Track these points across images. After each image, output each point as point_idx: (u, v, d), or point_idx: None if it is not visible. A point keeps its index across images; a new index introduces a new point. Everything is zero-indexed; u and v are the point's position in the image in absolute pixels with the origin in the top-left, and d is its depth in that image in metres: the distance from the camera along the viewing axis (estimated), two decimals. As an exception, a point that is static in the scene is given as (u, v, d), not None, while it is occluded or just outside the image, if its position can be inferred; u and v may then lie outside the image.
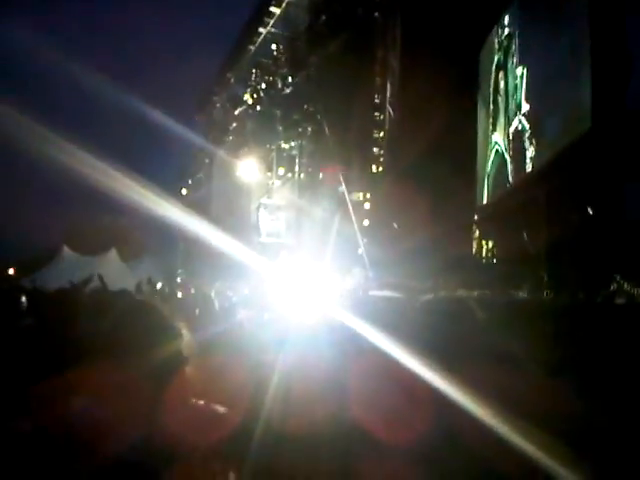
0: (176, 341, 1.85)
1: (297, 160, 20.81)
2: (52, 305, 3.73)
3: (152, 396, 1.72)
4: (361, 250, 14.74)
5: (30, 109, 11.37)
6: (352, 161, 16.65)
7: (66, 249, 27.66)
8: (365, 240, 14.70)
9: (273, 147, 22.32)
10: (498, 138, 12.18)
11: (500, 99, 11.87)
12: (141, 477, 1.66)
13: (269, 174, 22.53)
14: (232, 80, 25.85)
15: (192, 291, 11.41)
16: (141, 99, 19.49)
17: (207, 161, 29.80)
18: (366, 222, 15.60)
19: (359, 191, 16.26)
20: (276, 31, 21.79)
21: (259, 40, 22.76)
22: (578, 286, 7.12)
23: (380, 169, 15.86)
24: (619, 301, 5.98)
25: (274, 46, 21.79)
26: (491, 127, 12.58)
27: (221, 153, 26.52)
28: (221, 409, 1.89)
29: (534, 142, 9.95)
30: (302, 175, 20.47)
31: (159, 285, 16.78)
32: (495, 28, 12.23)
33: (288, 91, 20.69)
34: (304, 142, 20.20)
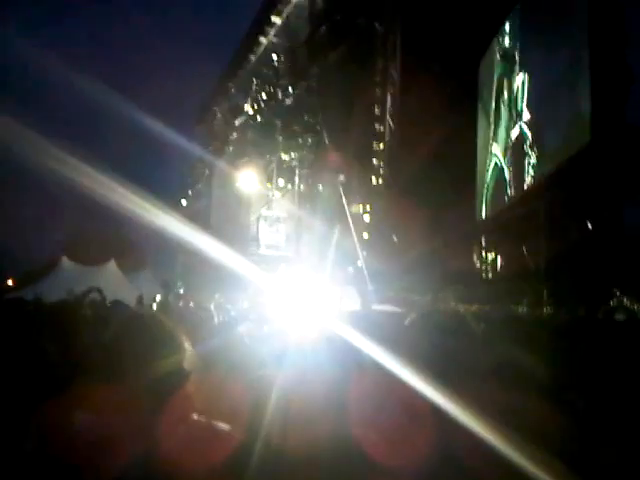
0: (178, 355, 1.84)
1: (297, 171, 20.80)
2: (53, 317, 3.72)
3: (152, 411, 1.71)
4: (360, 262, 14.71)
5: (30, 120, 11.40)
6: (352, 172, 16.66)
7: (65, 260, 27.59)
8: (365, 253, 14.68)
9: (273, 158, 22.33)
10: (497, 150, 12.21)
11: (503, 108, 11.89)
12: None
13: (269, 185, 22.53)
14: (232, 90, 25.93)
15: (191, 304, 11.38)
16: (141, 109, 19.54)
17: (207, 172, 29.82)
18: (365, 235, 15.58)
19: (359, 203, 16.26)
20: (277, 41, 21.88)
21: (260, 50, 22.85)
22: (578, 301, 7.11)
23: (380, 181, 15.86)
24: (619, 317, 5.97)
25: (275, 56, 21.86)
26: (491, 138, 12.60)
27: (221, 164, 26.54)
28: (223, 426, 1.88)
29: (535, 149, 9.95)
30: (302, 186, 20.46)
31: (158, 297, 16.76)
32: (496, 38, 12.28)
33: (288, 102, 20.74)
34: (304, 153, 20.22)
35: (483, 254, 13.15)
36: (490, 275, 12.62)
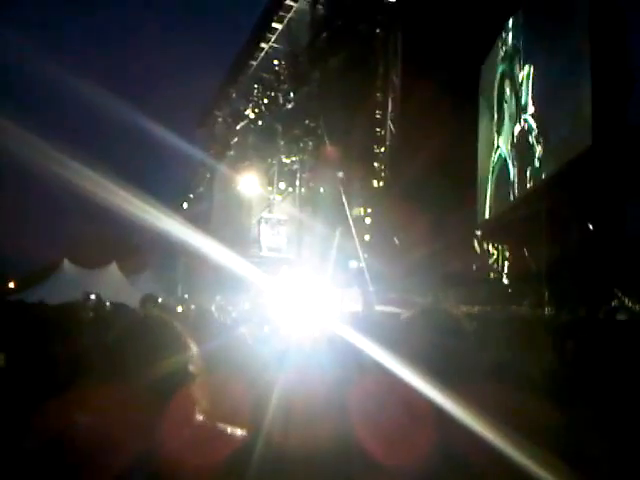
0: (182, 356, 1.83)
1: (298, 175, 20.83)
2: (55, 319, 3.73)
3: (155, 412, 1.71)
4: (354, 263, 14.71)
5: (32, 124, 11.43)
6: (353, 176, 16.67)
7: (67, 262, 27.63)
8: (366, 255, 14.69)
9: (274, 162, 22.36)
10: (501, 143, 12.20)
11: (506, 106, 11.88)
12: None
13: (270, 188, 22.56)
14: (234, 95, 25.96)
15: (192, 307, 11.38)
16: (143, 113, 19.57)
17: (208, 175, 29.85)
18: (367, 237, 15.59)
19: (360, 206, 16.28)
20: (278, 46, 21.92)
21: (261, 55, 22.90)
22: (579, 302, 7.11)
23: (381, 184, 15.88)
24: (620, 317, 5.97)
25: (276, 61, 21.90)
26: (495, 133, 12.59)
27: (222, 167, 26.57)
28: (228, 429, 1.87)
29: (541, 141, 9.88)
30: (303, 189, 20.49)
31: (159, 300, 16.76)
32: (500, 35, 12.29)
33: (290, 106, 20.77)
34: (305, 157, 20.24)
35: (484, 256, 13.15)
36: (492, 276, 12.62)
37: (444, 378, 1.89)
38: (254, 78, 23.58)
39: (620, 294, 6.85)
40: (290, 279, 16.44)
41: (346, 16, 16.71)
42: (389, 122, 15.82)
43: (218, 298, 17.31)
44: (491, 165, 12.77)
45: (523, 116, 10.67)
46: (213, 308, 8.26)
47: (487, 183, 12.97)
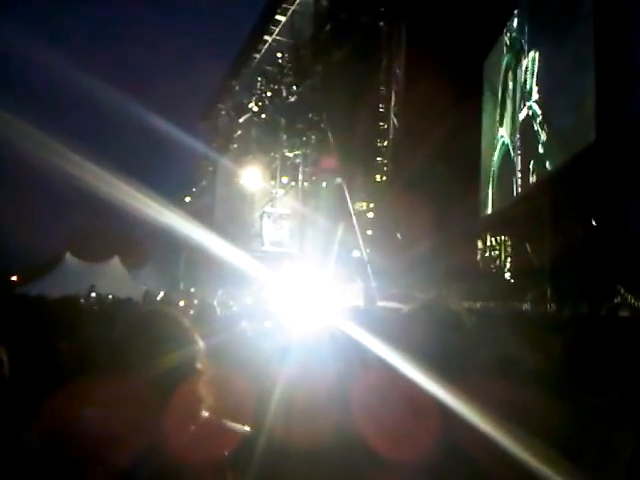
0: (189, 350, 1.83)
1: (301, 169, 20.81)
2: (56, 313, 3.72)
3: (160, 406, 1.71)
4: (357, 253, 14.70)
5: (34, 117, 11.43)
6: (356, 170, 16.66)
7: (69, 256, 27.69)
8: (368, 249, 14.68)
9: (277, 155, 22.33)
10: (504, 133, 12.17)
11: (509, 96, 11.85)
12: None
13: (273, 182, 22.54)
14: (237, 88, 25.91)
15: (195, 302, 11.39)
16: (146, 107, 19.55)
17: (211, 169, 29.82)
18: (369, 231, 15.59)
19: (363, 200, 16.26)
20: (281, 39, 21.87)
21: (264, 48, 22.85)
22: (581, 298, 7.10)
23: (384, 178, 15.86)
24: (623, 313, 5.96)
25: (279, 54, 21.85)
26: (498, 127, 12.56)
27: (225, 161, 26.53)
28: (232, 425, 1.87)
29: (546, 127, 9.84)
30: (306, 184, 20.47)
31: (161, 294, 16.77)
32: (505, 27, 12.24)
33: (293, 99, 20.73)
34: (308, 151, 20.22)
35: (487, 251, 13.15)
36: (494, 272, 12.62)
37: (445, 373, 1.89)
38: (257, 71, 23.54)
39: (623, 290, 6.84)
40: (292, 273, 16.44)
41: (350, 9, 16.66)
42: (392, 115, 15.78)
43: (220, 292, 17.31)
44: (494, 158, 12.74)
45: (528, 103, 10.61)
46: (215, 302, 8.25)
47: (490, 177, 12.96)
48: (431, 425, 1.84)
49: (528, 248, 10.54)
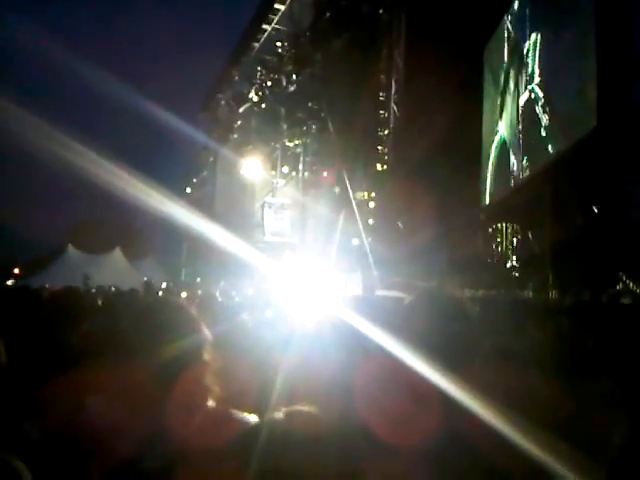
0: (194, 339, 1.83)
1: (301, 158, 20.77)
2: (58, 303, 3.73)
3: (165, 395, 1.71)
4: (357, 241, 14.71)
5: (35, 108, 11.40)
6: (356, 159, 16.64)
7: (70, 248, 27.76)
8: (370, 239, 14.69)
9: (277, 145, 22.30)
10: (504, 126, 12.13)
11: (511, 81, 11.76)
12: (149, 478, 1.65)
13: (273, 172, 22.52)
14: (237, 78, 25.82)
15: (199, 292, 11.42)
16: (145, 97, 19.52)
17: (211, 159, 29.78)
18: (371, 221, 15.59)
19: (364, 190, 16.25)
20: (281, 28, 21.76)
21: (263, 37, 22.75)
22: (583, 286, 7.10)
23: (385, 167, 15.84)
24: (625, 301, 5.96)
25: (279, 43, 21.73)
26: (498, 114, 12.51)
27: (225, 151, 26.49)
28: (238, 413, 1.88)
29: (548, 110, 9.73)
30: (306, 173, 20.45)
31: (163, 285, 16.81)
32: (505, 15, 12.16)
33: (292, 89, 20.66)
34: (308, 140, 20.18)
35: (488, 239, 13.14)
36: (496, 260, 12.61)
37: (447, 361, 1.89)
38: (257, 60, 23.44)
39: (624, 278, 6.84)
40: (294, 264, 16.46)
41: (349, -3, 16.59)
42: (393, 104, 15.74)
43: (222, 283, 17.35)
44: (494, 146, 12.71)
45: (529, 86, 10.54)
46: (217, 293, 8.27)
47: (490, 165, 12.93)
48: (433, 413, 1.85)
49: (530, 236, 10.54)
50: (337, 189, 16.51)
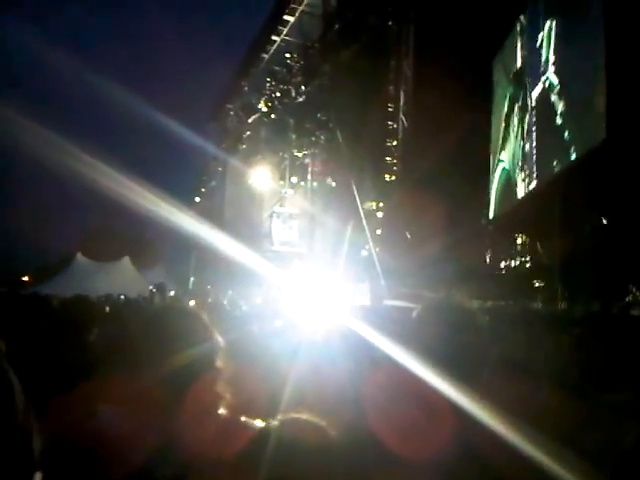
0: (206, 346, 1.82)
1: (310, 168, 20.82)
2: (67, 311, 3.75)
3: (177, 403, 1.71)
4: (366, 252, 14.70)
5: (47, 120, 11.51)
6: (365, 170, 16.65)
7: (79, 256, 27.86)
8: (378, 249, 14.67)
9: (286, 155, 22.36)
10: (512, 136, 12.07)
11: (520, 83, 11.69)
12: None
13: (282, 182, 22.57)
14: (246, 88, 25.95)
15: (209, 300, 11.44)
16: (155, 108, 19.66)
17: (220, 169, 29.89)
18: (379, 231, 15.58)
19: (372, 200, 16.25)
20: (290, 39, 21.88)
21: (273, 48, 22.87)
22: (593, 297, 7.06)
23: (393, 178, 15.85)
24: (634, 312, 5.93)
25: (288, 54, 21.84)
26: (506, 126, 12.44)
27: (234, 161, 26.60)
28: (249, 422, 1.87)
29: (564, 97, 9.53)
30: (315, 183, 20.48)
31: (172, 293, 16.85)
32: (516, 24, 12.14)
33: (301, 99, 20.74)
34: (317, 150, 20.23)
35: (497, 250, 13.08)
36: (504, 271, 12.56)
37: (456, 372, 1.89)
38: (266, 71, 23.56)
39: (634, 289, 6.80)
40: (302, 273, 16.46)
41: (358, 9, 16.66)
42: (401, 115, 15.77)
43: (230, 292, 17.37)
44: (503, 156, 12.67)
45: (543, 77, 10.38)
46: (225, 302, 8.29)
47: (498, 175, 12.90)
48: (442, 424, 1.84)
49: (539, 247, 10.49)
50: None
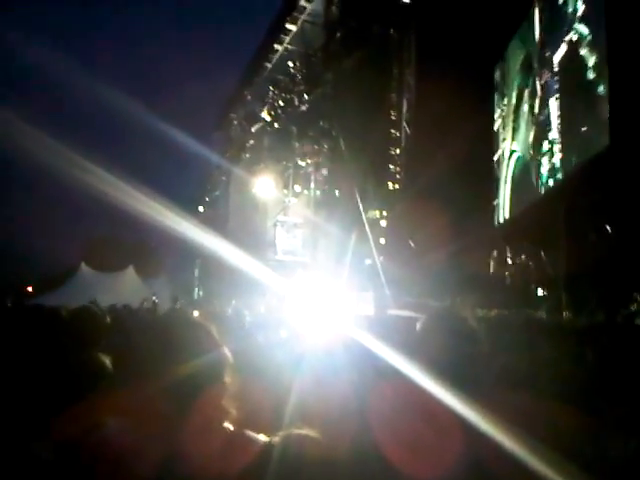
0: (211, 357, 1.80)
1: (313, 177, 20.82)
2: (72, 323, 3.74)
3: (181, 415, 1.70)
4: (369, 261, 14.67)
5: (51, 128, 11.55)
6: (368, 178, 16.65)
7: (84, 266, 27.89)
8: (381, 258, 14.65)
9: (289, 164, 22.36)
10: (518, 144, 12.04)
11: (523, 101, 11.66)
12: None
13: (285, 191, 22.56)
14: (249, 97, 26.01)
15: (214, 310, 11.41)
16: (160, 117, 19.73)
17: (224, 178, 29.92)
18: (383, 240, 15.55)
19: (375, 208, 16.24)
20: (292, 48, 21.93)
21: (275, 57, 22.93)
22: (598, 306, 7.04)
23: (396, 186, 15.86)
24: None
25: (290, 63, 21.90)
26: (511, 133, 12.43)
27: (238, 170, 26.62)
28: (255, 436, 1.86)
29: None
30: (318, 192, 20.47)
31: (177, 305, 16.82)
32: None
33: (304, 108, 20.76)
34: (320, 159, 20.23)
35: (501, 259, 13.07)
36: (508, 280, 12.53)
37: (460, 383, 1.88)
38: (269, 80, 23.61)
39: (639, 298, 6.77)
40: (306, 282, 16.43)
41: (360, 17, 16.69)
42: (404, 123, 15.80)
43: (234, 302, 17.35)
44: (509, 164, 12.67)
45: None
46: (229, 311, 8.27)
47: (503, 183, 12.89)
48: (447, 438, 1.84)
49: (543, 256, 10.47)
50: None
